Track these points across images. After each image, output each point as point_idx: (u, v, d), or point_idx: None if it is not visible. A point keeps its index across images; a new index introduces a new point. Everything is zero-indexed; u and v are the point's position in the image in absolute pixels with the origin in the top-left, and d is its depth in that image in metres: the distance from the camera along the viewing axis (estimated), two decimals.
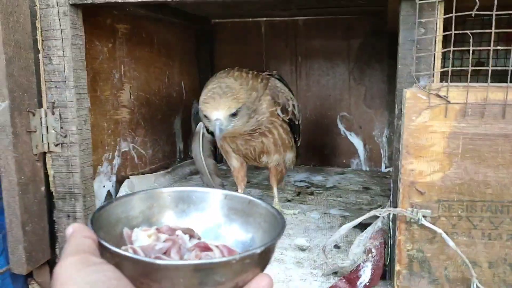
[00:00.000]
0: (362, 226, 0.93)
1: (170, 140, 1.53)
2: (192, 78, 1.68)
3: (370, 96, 1.64)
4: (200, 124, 1.23)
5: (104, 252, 0.46)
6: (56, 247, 0.95)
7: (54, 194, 0.93)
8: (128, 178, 1.21)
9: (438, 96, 0.72)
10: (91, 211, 0.95)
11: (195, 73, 1.72)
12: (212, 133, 1.19)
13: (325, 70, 1.68)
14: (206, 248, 0.53)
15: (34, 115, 0.88)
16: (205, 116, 0.96)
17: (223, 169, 1.60)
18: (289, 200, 1.30)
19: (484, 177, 0.73)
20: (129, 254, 0.46)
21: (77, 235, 0.45)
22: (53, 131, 0.90)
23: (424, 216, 0.75)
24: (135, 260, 0.45)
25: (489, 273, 0.75)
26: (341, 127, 1.69)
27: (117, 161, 1.19)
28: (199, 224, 0.60)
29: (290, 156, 1.18)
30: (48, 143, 0.90)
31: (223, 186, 1.30)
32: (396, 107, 0.79)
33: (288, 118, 1.09)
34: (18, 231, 0.86)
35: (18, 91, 0.84)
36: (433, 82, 0.74)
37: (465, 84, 0.71)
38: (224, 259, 0.48)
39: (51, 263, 0.97)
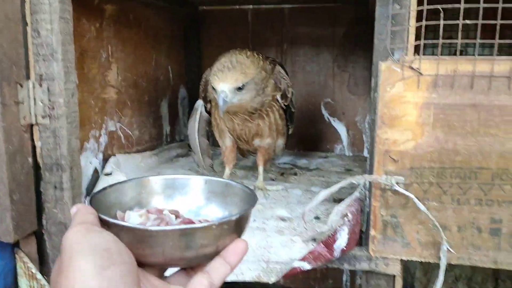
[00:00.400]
0: (340, 201, 0.97)
1: (157, 123, 1.56)
2: (179, 63, 1.71)
3: (353, 83, 1.68)
4: (199, 102, 1.26)
5: (104, 226, 0.53)
6: (43, 218, 0.97)
7: (41, 165, 0.95)
8: (115, 156, 1.24)
9: (411, 68, 0.76)
10: (77, 183, 0.97)
11: (182, 58, 1.74)
12: (209, 113, 1.23)
13: (310, 57, 1.71)
14: (190, 223, 0.61)
15: (22, 86, 0.90)
16: (213, 88, 0.99)
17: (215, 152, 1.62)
18: (272, 179, 1.33)
19: (454, 145, 0.77)
20: (126, 223, 0.56)
21: (81, 212, 0.51)
22: (40, 103, 0.92)
23: (397, 183, 0.79)
24: (130, 229, 0.53)
25: (458, 237, 0.79)
26: (325, 113, 1.73)
27: (104, 139, 1.21)
28: (183, 206, 0.70)
29: (281, 142, 1.22)
30: (36, 115, 0.92)
31: (212, 167, 1.33)
32: (372, 80, 0.83)
33: (286, 104, 1.14)
34: (5, 199, 0.88)
35: (7, 62, 0.86)
36: (407, 55, 0.78)
37: (436, 56, 0.75)
38: (205, 224, 0.55)
39: (38, 235, 0.99)
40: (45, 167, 0.95)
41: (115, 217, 0.62)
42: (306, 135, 1.77)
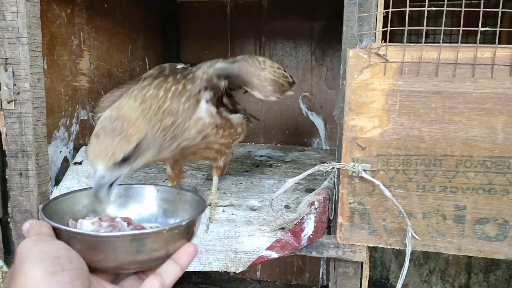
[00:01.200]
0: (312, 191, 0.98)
1: None
2: (158, 55, 1.69)
3: (331, 77, 1.69)
4: None
5: (57, 235, 0.56)
6: (8, 205, 0.95)
7: (6, 152, 0.93)
8: (86, 145, 1.22)
9: (378, 55, 0.76)
10: (44, 170, 0.95)
11: (161, 50, 1.73)
12: None
13: (288, 50, 1.71)
14: (142, 229, 0.64)
15: None
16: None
17: None
18: (247, 171, 1.33)
19: (419, 132, 0.77)
20: (78, 230, 0.59)
21: (34, 226, 0.54)
22: (5, 88, 0.90)
23: (364, 170, 0.79)
24: (83, 235, 0.56)
25: (423, 224, 0.80)
26: (303, 107, 1.73)
27: (75, 128, 1.19)
28: (136, 214, 0.73)
29: (238, 140, 1.02)
30: (1, 100, 0.90)
31: None
32: (341, 68, 0.83)
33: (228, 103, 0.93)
34: None
35: None
36: (374, 42, 0.78)
37: (402, 44, 0.76)
38: (156, 229, 0.59)
39: (4, 223, 0.97)
40: (10, 153, 0.93)
41: (67, 226, 0.63)
42: (283, 129, 1.77)
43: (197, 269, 0.87)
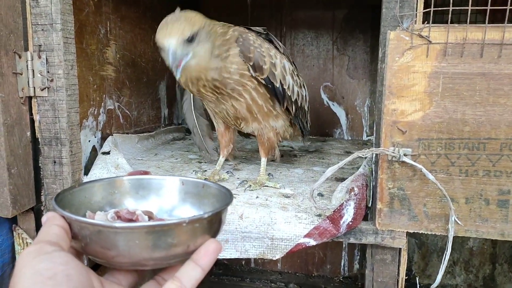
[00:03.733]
0: (343, 181, 0.96)
1: (155, 105, 1.53)
2: None
3: (353, 66, 1.67)
4: None
5: (70, 225, 0.51)
6: (42, 194, 0.95)
7: (40, 139, 0.93)
8: (113, 135, 1.21)
9: (420, 36, 0.75)
10: (77, 158, 0.95)
11: None
12: None
13: (309, 40, 1.70)
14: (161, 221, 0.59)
15: (20, 57, 0.87)
16: (161, 48, 0.85)
17: None
18: (272, 160, 1.32)
19: (462, 115, 0.76)
20: (89, 220, 0.53)
21: (47, 223, 0.50)
22: (39, 75, 0.89)
23: (405, 155, 0.78)
24: (94, 226, 0.50)
25: (466, 209, 0.79)
26: (324, 97, 1.72)
27: (102, 118, 1.19)
28: (157, 207, 0.68)
29: (277, 124, 1.04)
30: (34, 88, 0.90)
31: (216, 150, 1.27)
32: (380, 51, 0.82)
33: (263, 77, 0.94)
34: (3, 172, 0.86)
35: (5, 31, 0.83)
36: (416, 23, 0.77)
37: (446, 24, 0.74)
38: (175, 221, 0.52)
39: (36, 211, 0.97)
40: (44, 141, 0.92)
41: (84, 217, 0.59)
42: None
43: (233, 256, 0.87)
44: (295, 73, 1.06)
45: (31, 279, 0.42)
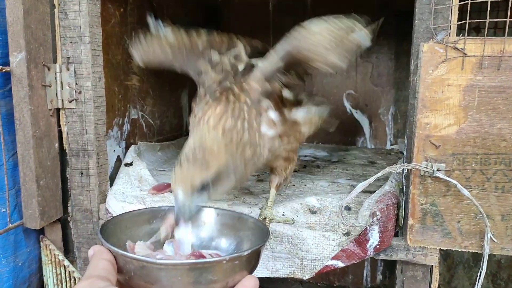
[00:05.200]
0: (370, 193, 0.94)
1: (178, 114, 1.53)
2: None
3: (377, 74, 1.65)
4: None
5: (116, 258, 0.54)
6: (69, 205, 0.95)
7: (67, 151, 0.93)
8: (136, 144, 1.22)
9: (455, 48, 0.73)
10: (104, 169, 0.95)
11: None
12: None
13: None
14: (201, 257, 0.62)
15: (49, 69, 0.88)
16: None
17: None
18: (295, 171, 1.30)
19: (499, 130, 0.73)
20: (135, 256, 0.55)
21: (96, 257, 0.53)
22: (67, 87, 0.90)
23: (438, 170, 0.76)
24: (139, 261, 0.52)
25: (502, 226, 0.76)
26: (347, 104, 1.70)
27: (126, 127, 1.19)
28: (195, 238, 0.70)
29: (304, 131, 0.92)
30: (63, 100, 0.91)
31: None
32: (412, 63, 0.80)
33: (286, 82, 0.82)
34: (32, 184, 0.86)
35: (35, 44, 0.84)
36: (450, 35, 0.75)
37: (482, 37, 0.72)
38: (216, 259, 0.55)
39: (63, 222, 0.97)
40: (71, 152, 0.93)
41: (125, 246, 0.62)
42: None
43: (264, 275, 0.86)
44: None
45: None
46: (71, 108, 0.91)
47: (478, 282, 0.77)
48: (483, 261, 0.77)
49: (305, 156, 1.55)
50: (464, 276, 1.68)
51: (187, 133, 1.63)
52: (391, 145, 1.66)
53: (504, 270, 1.62)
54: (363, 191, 1.05)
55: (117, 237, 0.60)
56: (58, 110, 0.92)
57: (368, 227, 0.80)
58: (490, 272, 1.64)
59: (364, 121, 1.69)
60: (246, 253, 0.55)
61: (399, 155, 1.54)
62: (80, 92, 0.90)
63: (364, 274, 1.75)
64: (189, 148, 0.70)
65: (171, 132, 1.49)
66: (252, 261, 0.57)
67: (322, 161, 1.47)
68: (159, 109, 1.39)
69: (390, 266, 1.74)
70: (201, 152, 0.69)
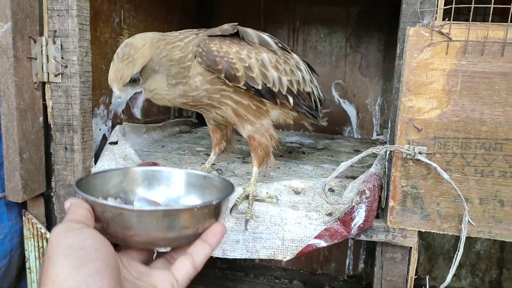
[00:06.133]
0: (353, 179, 0.95)
1: None
2: None
3: (365, 64, 1.66)
4: None
5: (93, 208, 0.57)
6: (52, 180, 0.95)
7: (52, 125, 0.92)
8: (122, 124, 1.21)
9: (441, 33, 0.74)
10: (88, 145, 0.95)
11: None
12: None
13: (322, 36, 1.69)
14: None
15: (35, 42, 0.87)
16: None
17: None
18: (280, 156, 1.31)
19: (480, 115, 0.75)
20: (111, 203, 0.59)
21: (72, 207, 0.55)
22: (53, 61, 0.89)
23: (420, 153, 0.77)
24: (117, 208, 0.56)
25: (480, 209, 0.78)
26: (335, 94, 1.71)
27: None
28: (164, 196, 0.74)
29: (273, 115, 0.95)
30: (48, 73, 0.90)
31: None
32: (398, 47, 0.81)
33: (241, 85, 0.85)
34: (15, 157, 0.86)
35: (21, 15, 0.83)
36: (436, 20, 0.76)
37: (467, 22, 0.73)
38: (188, 206, 0.62)
39: (46, 197, 0.97)
40: (56, 127, 0.92)
41: None
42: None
43: (244, 256, 0.86)
44: (281, 61, 0.92)
45: (64, 252, 0.47)
46: (56, 82, 0.90)
47: (454, 263, 0.79)
48: (460, 243, 0.78)
49: (291, 142, 1.55)
50: (444, 266, 1.71)
51: (175, 117, 1.63)
52: (377, 135, 1.67)
53: (483, 261, 1.65)
54: (347, 177, 1.08)
55: (90, 193, 0.62)
56: (43, 84, 0.91)
57: (356, 205, 0.81)
58: (469, 263, 1.67)
59: (351, 111, 1.71)
60: (214, 202, 0.60)
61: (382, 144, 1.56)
62: (66, 66, 0.89)
63: (347, 262, 1.77)
64: (120, 47, 0.79)
65: (158, 114, 1.49)
66: (219, 210, 0.63)
67: (308, 148, 1.48)
68: None
69: (372, 255, 1.77)
70: (128, 48, 0.78)
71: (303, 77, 0.99)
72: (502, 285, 1.64)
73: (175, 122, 1.61)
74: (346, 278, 1.77)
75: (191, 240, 0.61)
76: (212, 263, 1.80)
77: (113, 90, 0.79)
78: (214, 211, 0.61)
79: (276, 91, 0.90)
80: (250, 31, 0.91)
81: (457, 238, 1.71)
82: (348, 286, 1.70)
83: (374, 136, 1.68)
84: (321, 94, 1.13)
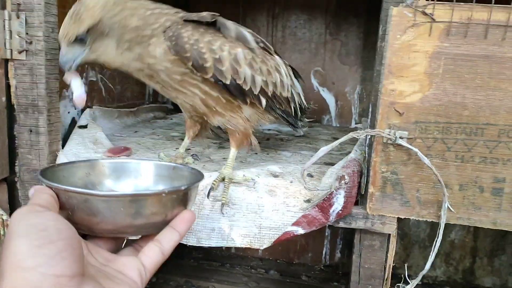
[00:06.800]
0: (332, 165, 0.93)
1: (140, 82, 1.47)
2: None
3: (345, 52, 1.64)
4: None
5: (57, 195, 0.55)
6: (16, 164, 0.89)
7: (15, 106, 0.87)
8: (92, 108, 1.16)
9: (424, 13, 0.72)
10: (55, 128, 0.90)
11: None
12: None
13: (302, 22, 1.66)
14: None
15: None
16: None
17: None
18: (259, 142, 1.27)
19: (462, 99, 0.73)
20: (76, 189, 0.56)
21: (36, 193, 0.54)
22: (17, 37, 0.83)
23: (400, 138, 0.75)
24: (82, 194, 0.54)
25: (459, 196, 0.76)
26: (314, 82, 1.69)
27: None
28: (132, 188, 0.73)
29: (245, 114, 0.90)
30: (11, 50, 0.84)
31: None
32: (380, 28, 0.78)
33: (209, 77, 0.81)
34: None
35: None
36: (419, 0, 0.73)
37: (451, 3, 0.71)
38: (156, 191, 0.61)
39: (10, 183, 0.91)
40: (20, 108, 0.87)
41: None
42: None
43: (219, 245, 0.83)
44: (257, 59, 0.88)
45: (26, 230, 0.45)
46: (20, 60, 0.84)
47: (434, 250, 0.78)
48: (439, 230, 0.77)
49: (269, 129, 1.53)
50: (419, 256, 1.72)
51: (149, 102, 1.58)
52: (356, 124, 1.66)
53: (457, 250, 1.67)
54: (325, 163, 1.06)
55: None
56: (6, 61, 0.85)
57: (335, 191, 0.78)
58: (443, 252, 1.69)
59: (330, 99, 1.69)
60: (183, 187, 0.60)
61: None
62: (31, 43, 0.83)
63: (323, 252, 1.77)
64: (74, 4, 0.76)
65: (132, 99, 1.44)
66: (188, 197, 0.62)
67: (286, 135, 1.45)
68: (120, 73, 1.33)
69: (349, 245, 1.77)
70: (79, 6, 0.75)
71: (281, 80, 0.94)
72: (475, 274, 1.67)
73: (149, 108, 1.56)
74: (322, 267, 1.76)
75: (160, 228, 0.59)
76: (188, 253, 1.77)
77: (60, 46, 0.77)
78: (182, 198, 0.60)
79: (246, 89, 0.85)
80: (229, 24, 0.87)
81: (432, 228, 1.72)
82: (324, 275, 1.69)
83: (353, 125, 1.67)
84: (304, 101, 1.09)
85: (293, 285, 1.58)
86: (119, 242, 0.62)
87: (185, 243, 0.82)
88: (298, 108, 1.04)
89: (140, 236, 0.63)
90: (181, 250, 1.84)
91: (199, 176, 0.67)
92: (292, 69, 1.07)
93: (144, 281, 0.54)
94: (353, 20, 1.61)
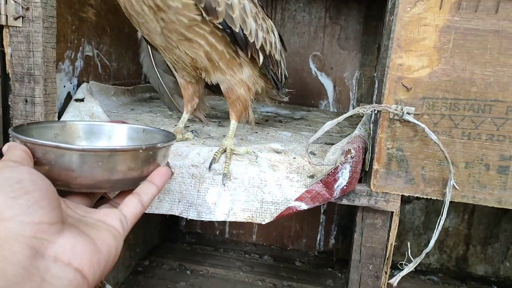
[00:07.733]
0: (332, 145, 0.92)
1: (136, 60, 1.44)
2: None
3: (344, 37, 1.62)
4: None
5: (33, 151, 0.54)
6: (10, 136, 0.87)
7: (10, 75, 0.84)
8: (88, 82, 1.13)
9: None
10: (51, 98, 0.87)
11: None
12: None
13: (301, 6, 1.64)
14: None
15: None
16: None
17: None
18: (257, 123, 1.26)
19: (471, 75, 0.72)
20: (54, 143, 0.54)
21: (10, 149, 0.53)
22: (12, 2, 0.80)
23: (408, 113, 0.74)
24: (60, 148, 0.54)
25: (465, 173, 0.76)
26: (312, 66, 1.67)
27: (79, 63, 1.10)
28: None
29: (244, 75, 0.90)
30: (7, 16, 0.81)
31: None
32: (389, 1, 0.77)
33: (219, 22, 0.78)
34: None
35: None
36: None
37: None
38: (134, 146, 0.60)
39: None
40: (15, 77, 0.84)
41: None
42: (290, 88, 1.70)
43: (221, 219, 0.81)
44: (260, 16, 0.88)
45: (0, 184, 0.45)
46: (16, 27, 0.81)
47: (437, 228, 0.77)
48: (443, 208, 0.76)
49: (267, 112, 1.51)
50: (413, 243, 1.72)
51: (145, 82, 1.55)
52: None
53: (451, 238, 1.67)
54: (326, 143, 1.04)
55: None
56: (1, 27, 0.82)
57: (340, 166, 0.77)
58: (437, 240, 1.69)
59: (328, 84, 1.67)
60: (159, 145, 0.61)
61: (360, 118, 1.53)
62: (27, 9, 0.80)
63: (318, 238, 1.76)
64: None
65: (128, 78, 1.41)
66: (163, 155, 0.63)
67: (285, 117, 1.44)
68: (117, 50, 1.30)
69: (343, 231, 1.76)
70: None
71: (275, 42, 0.96)
72: (468, 261, 1.68)
73: (145, 88, 1.53)
74: (316, 253, 1.76)
75: (136, 184, 0.60)
76: (181, 237, 1.75)
77: None
78: (159, 155, 0.62)
79: (251, 41, 0.85)
80: None
81: (427, 215, 1.72)
82: (318, 261, 1.69)
83: (350, 110, 1.66)
84: (285, 71, 1.12)
85: (287, 270, 1.57)
86: (94, 200, 0.63)
87: (185, 216, 0.80)
88: (283, 74, 1.07)
89: (116, 193, 0.65)
90: (174, 234, 1.82)
91: (172, 137, 0.68)
92: (280, 37, 1.07)
93: (126, 230, 0.55)
94: (354, 5, 1.59)
